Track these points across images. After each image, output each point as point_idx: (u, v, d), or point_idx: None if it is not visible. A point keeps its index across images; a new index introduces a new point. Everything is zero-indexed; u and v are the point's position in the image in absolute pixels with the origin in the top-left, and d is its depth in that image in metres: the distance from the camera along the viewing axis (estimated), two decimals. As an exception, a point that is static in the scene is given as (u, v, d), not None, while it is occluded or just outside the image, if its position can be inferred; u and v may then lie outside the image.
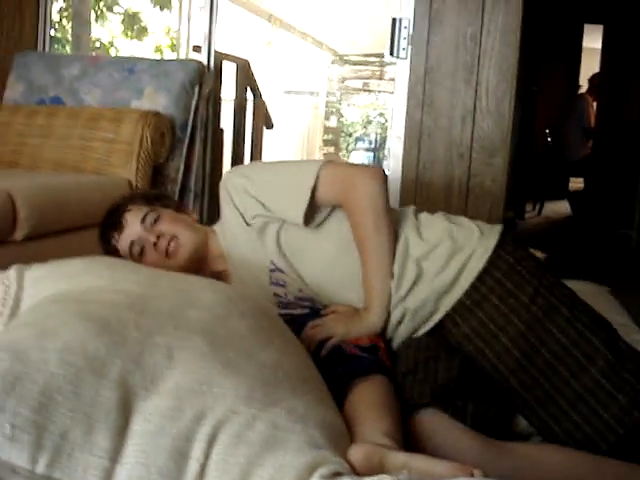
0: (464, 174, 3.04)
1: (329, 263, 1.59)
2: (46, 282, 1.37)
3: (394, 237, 1.53)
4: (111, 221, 1.74)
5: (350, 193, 1.52)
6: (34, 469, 0.91)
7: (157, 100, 3.08)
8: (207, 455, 0.95)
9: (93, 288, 1.30)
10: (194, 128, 3.18)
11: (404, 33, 3.08)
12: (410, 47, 3.08)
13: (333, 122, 11.45)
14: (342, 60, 11.41)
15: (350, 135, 11.12)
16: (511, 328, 1.44)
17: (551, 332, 1.42)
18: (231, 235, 1.67)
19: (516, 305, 1.45)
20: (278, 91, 10.57)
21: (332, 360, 1.42)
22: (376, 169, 1.58)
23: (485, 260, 1.48)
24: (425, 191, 3.09)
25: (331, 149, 11.26)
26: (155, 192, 2.52)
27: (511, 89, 3.00)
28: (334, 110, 11.42)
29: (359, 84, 11.34)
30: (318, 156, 10.84)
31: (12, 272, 1.42)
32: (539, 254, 2.57)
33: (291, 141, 9.84)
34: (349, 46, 10.94)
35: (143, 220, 1.69)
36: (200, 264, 1.71)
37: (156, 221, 1.69)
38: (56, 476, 0.91)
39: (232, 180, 1.66)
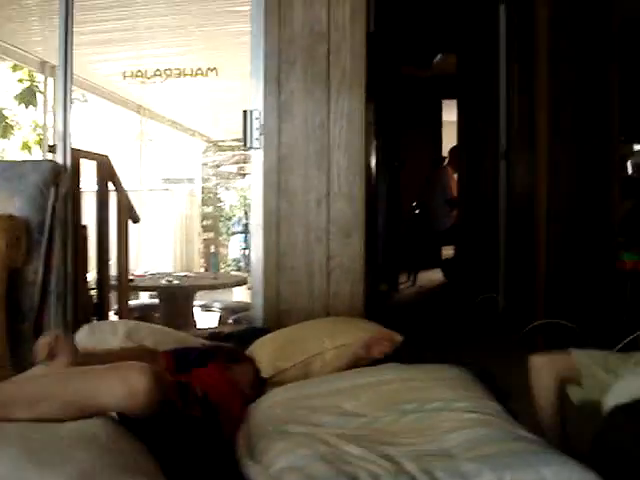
0: (323, 256, 3.12)
1: None
2: None
3: None
4: None
5: None
6: None
7: (11, 203, 3.04)
8: None
9: None
10: (52, 228, 3.14)
11: (256, 124, 3.18)
12: (262, 137, 3.17)
13: (211, 207, 11.49)
14: (215, 146, 11.54)
15: (229, 219, 11.18)
16: None
17: None
18: None
19: None
20: (154, 181, 10.55)
21: None
22: None
23: None
24: (288, 276, 3.14)
25: (211, 234, 11.29)
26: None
27: (360, 171, 3.13)
28: (211, 195, 11.48)
29: (234, 169, 11.47)
30: (198, 242, 10.85)
31: None
32: (398, 337, 2.49)
33: (170, 229, 9.81)
34: (222, 132, 11.08)
35: None
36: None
37: None
38: None
39: None
